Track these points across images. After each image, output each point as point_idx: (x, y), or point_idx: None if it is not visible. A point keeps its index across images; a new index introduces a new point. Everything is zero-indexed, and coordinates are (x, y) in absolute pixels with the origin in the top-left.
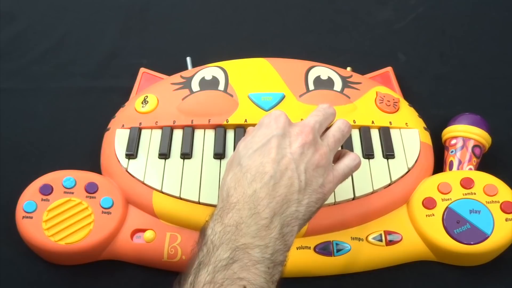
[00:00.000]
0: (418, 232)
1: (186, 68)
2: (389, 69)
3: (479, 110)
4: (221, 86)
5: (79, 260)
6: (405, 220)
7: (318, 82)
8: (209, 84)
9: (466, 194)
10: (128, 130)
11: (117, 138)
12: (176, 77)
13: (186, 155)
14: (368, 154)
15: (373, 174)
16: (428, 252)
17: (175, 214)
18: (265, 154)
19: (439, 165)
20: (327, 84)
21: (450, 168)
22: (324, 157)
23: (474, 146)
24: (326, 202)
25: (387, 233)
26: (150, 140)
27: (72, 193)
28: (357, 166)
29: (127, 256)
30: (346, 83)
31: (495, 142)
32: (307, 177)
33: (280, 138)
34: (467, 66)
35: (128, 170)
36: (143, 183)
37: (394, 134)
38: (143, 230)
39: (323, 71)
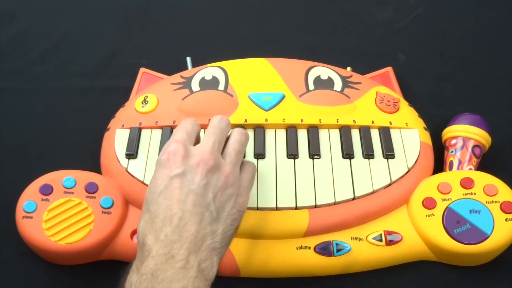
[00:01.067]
0: (418, 232)
1: (186, 68)
2: (389, 69)
3: (479, 110)
4: (221, 86)
5: (79, 260)
6: (405, 220)
7: (318, 82)
8: (209, 84)
9: (466, 194)
10: (128, 130)
11: (117, 138)
12: (176, 77)
13: None
14: (368, 154)
15: (373, 174)
16: (428, 252)
17: None
18: (169, 196)
19: (439, 165)
20: (327, 84)
21: (450, 168)
22: (231, 176)
23: (474, 146)
24: (326, 202)
25: (387, 233)
26: (150, 140)
27: (72, 193)
28: (254, 169)
29: (127, 256)
30: (346, 83)
31: (495, 142)
32: (217, 206)
33: (181, 176)
34: (467, 66)
35: (128, 170)
36: (143, 183)
37: (394, 134)
38: None
39: (323, 71)
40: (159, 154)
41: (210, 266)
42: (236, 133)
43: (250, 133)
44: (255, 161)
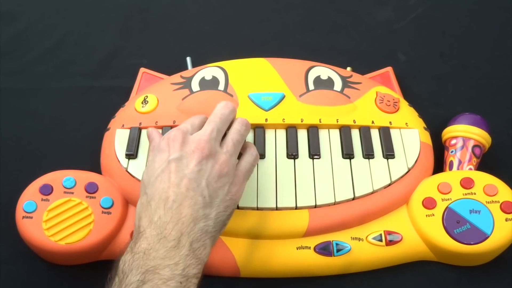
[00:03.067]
0: (418, 232)
1: (186, 68)
2: (389, 69)
3: (479, 110)
4: (221, 86)
5: (79, 260)
6: (405, 220)
7: (318, 82)
8: (209, 84)
9: (466, 194)
10: (128, 130)
11: (117, 138)
12: (176, 77)
13: None
14: (368, 154)
15: (373, 174)
16: (428, 252)
17: None
18: (165, 180)
19: (439, 165)
20: (327, 84)
21: (450, 168)
22: (225, 165)
23: (474, 146)
24: (326, 202)
25: (387, 233)
26: None
27: (72, 193)
28: (256, 159)
29: None
30: (346, 83)
31: (495, 142)
32: (210, 191)
33: (177, 161)
34: (467, 66)
35: (128, 170)
36: None
37: (394, 134)
38: None
39: (323, 71)
40: None
41: (202, 247)
42: (237, 123)
43: (250, 133)
44: None
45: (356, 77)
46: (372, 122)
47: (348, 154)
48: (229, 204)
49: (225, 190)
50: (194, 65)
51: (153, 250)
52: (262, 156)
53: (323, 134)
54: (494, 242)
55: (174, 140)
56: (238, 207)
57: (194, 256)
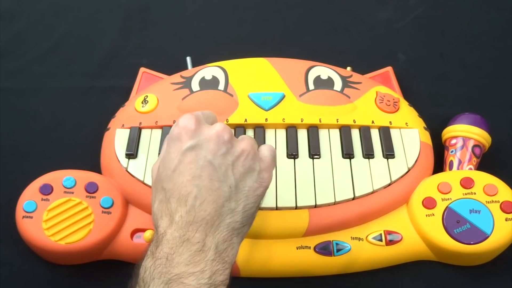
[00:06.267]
0: (418, 232)
1: (186, 68)
2: (389, 69)
3: (479, 110)
4: (221, 86)
5: (79, 260)
6: (405, 220)
7: (318, 81)
8: (209, 84)
9: (466, 194)
10: (128, 130)
11: (117, 138)
12: (176, 77)
13: None
14: (368, 154)
15: (373, 174)
16: (428, 252)
17: None
18: (184, 171)
19: (439, 165)
20: (327, 84)
21: (450, 168)
22: (249, 148)
23: (474, 146)
24: (326, 202)
25: (387, 233)
26: (150, 140)
27: (72, 193)
28: (274, 150)
29: (127, 256)
30: (346, 83)
31: (495, 142)
32: (237, 178)
33: (195, 149)
34: (467, 66)
35: (128, 170)
36: (143, 183)
37: (394, 134)
38: (143, 230)
39: (323, 71)
40: (159, 154)
41: (229, 247)
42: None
43: (250, 133)
44: None
45: (356, 77)
46: (372, 122)
47: (348, 154)
48: (259, 193)
49: (254, 176)
50: (194, 65)
51: (176, 254)
52: None
53: (323, 134)
54: (494, 242)
55: (186, 126)
56: None
57: (221, 260)
